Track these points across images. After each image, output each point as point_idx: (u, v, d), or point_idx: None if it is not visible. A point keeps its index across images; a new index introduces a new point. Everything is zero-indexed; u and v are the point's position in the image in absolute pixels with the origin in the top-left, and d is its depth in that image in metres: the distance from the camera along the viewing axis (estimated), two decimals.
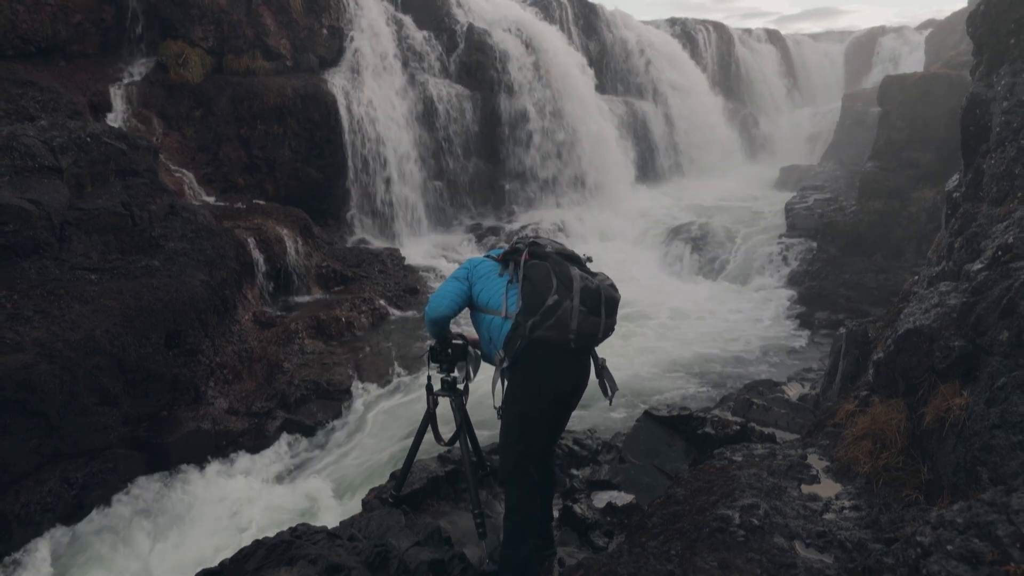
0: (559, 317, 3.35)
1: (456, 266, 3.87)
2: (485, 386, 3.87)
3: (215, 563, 3.94)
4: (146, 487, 7.84)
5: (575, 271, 3.48)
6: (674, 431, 5.66)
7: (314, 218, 14.39)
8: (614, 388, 3.65)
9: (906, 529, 3.01)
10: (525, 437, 3.54)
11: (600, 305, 3.44)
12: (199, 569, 3.87)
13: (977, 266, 4.11)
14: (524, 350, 3.42)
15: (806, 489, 3.83)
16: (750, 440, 5.44)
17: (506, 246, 3.81)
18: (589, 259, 3.73)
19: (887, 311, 7.02)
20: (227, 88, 14.78)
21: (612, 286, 3.58)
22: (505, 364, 3.48)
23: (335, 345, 11.25)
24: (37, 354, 7.31)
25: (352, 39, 17.26)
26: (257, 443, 8.82)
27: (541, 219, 18.74)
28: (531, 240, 3.69)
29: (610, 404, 3.76)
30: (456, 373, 3.99)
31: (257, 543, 3.83)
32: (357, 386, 10.24)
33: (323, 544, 3.77)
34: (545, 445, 3.73)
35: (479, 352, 3.88)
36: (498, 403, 3.61)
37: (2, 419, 6.94)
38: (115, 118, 12.90)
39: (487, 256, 3.84)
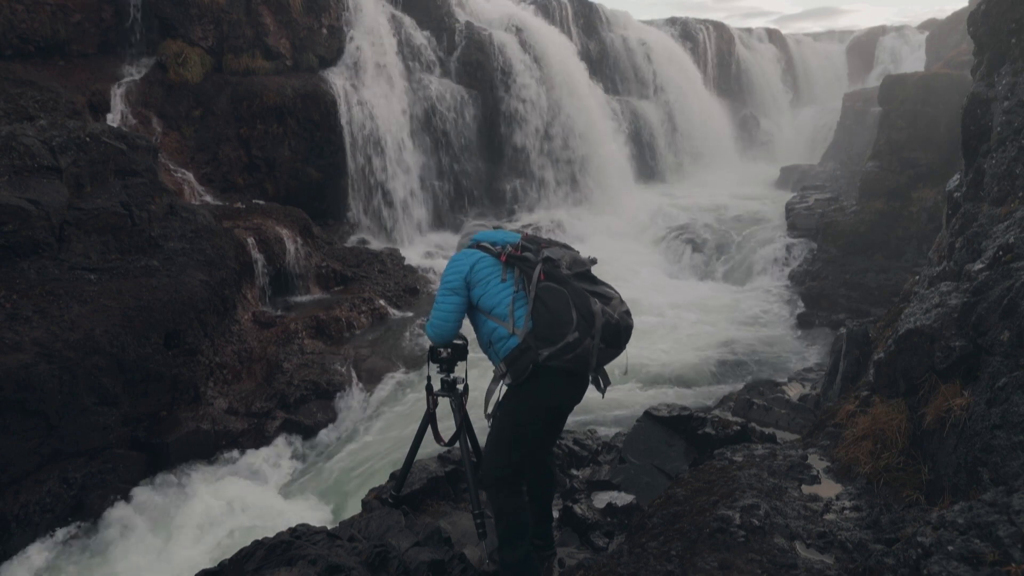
0: (578, 354, 3.28)
1: None
2: (484, 386, 3.84)
3: (214, 563, 3.93)
4: (145, 487, 7.85)
5: (597, 306, 3.34)
6: (674, 431, 5.66)
7: (314, 218, 14.38)
8: (607, 382, 3.62)
9: (907, 529, 3.01)
10: (515, 451, 3.46)
11: (620, 339, 3.42)
12: (199, 569, 3.87)
13: (978, 266, 4.10)
14: (532, 373, 3.32)
15: (807, 489, 3.82)
16: (750, 440, 5.43)
17: (505, 244, 3.68)
18: (594, 261, 3.65)
19: (888, 311, 7.02)
20: (227, 88, 14.76)
21: (627, 312, 3.49)
22: (508, 380, 3.39)
23: (335, 345, 11.23)
24: (37, 354, 7.31)
25: (352, 39, 17.23)
26: (256, 443, 8.82)
27: (541, 218, 18.74)
28: (545, 255, 3.46)
29: (603, 396, 3.70)
30: (456, 373, 3.97)
31: (257, 543, 3.82)
32: (357, 386, 10.24)
33: (323, 544, 3.77)
34: (537, 453, 3.68)
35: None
36: (490, 410, 3.52)
37: (2, 419, 6.94)
38: (114, 118, 12.89)
39: (479, 245, 3.63)
